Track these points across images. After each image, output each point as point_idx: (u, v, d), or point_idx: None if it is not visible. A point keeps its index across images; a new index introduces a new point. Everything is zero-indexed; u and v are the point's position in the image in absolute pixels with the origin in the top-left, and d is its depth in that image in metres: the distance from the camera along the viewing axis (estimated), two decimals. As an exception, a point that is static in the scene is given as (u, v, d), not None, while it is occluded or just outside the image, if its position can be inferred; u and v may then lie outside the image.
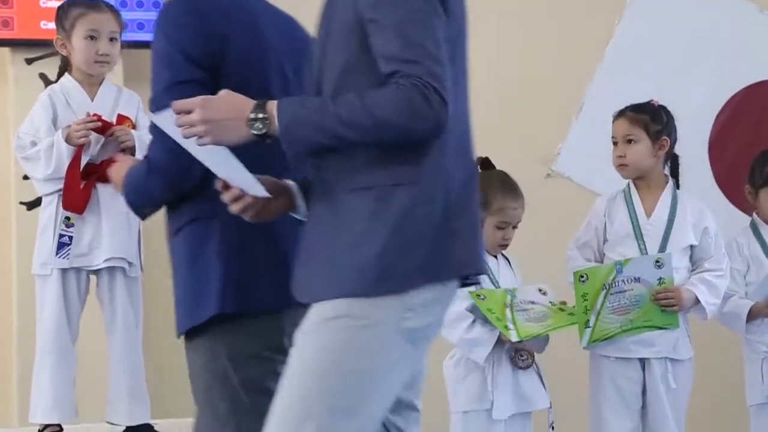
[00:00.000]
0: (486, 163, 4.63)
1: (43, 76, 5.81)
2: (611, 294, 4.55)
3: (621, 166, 4.73)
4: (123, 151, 4.44)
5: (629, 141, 4.69)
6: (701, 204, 4.86)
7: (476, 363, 4.40)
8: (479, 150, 4.54)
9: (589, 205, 4.99)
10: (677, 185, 4.85)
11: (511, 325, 4.38)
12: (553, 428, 4.53)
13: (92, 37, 4.53)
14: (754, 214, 4.97)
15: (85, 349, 4.57)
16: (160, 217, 5.40)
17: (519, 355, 4.43)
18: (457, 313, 4.38)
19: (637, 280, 4.58)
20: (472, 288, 4.26)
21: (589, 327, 4.55)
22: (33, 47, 5.93)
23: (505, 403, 4.40)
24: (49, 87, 4.79)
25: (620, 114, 4.79)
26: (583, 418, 4.82)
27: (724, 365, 5.20)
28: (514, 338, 4.35)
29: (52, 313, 4.51)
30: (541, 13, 6.51)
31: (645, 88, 5.21)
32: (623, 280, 4.57)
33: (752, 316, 4.79)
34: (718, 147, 5.78)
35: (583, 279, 4.58)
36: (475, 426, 4.44)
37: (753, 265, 4.88)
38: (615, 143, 4.77)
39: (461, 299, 4.36)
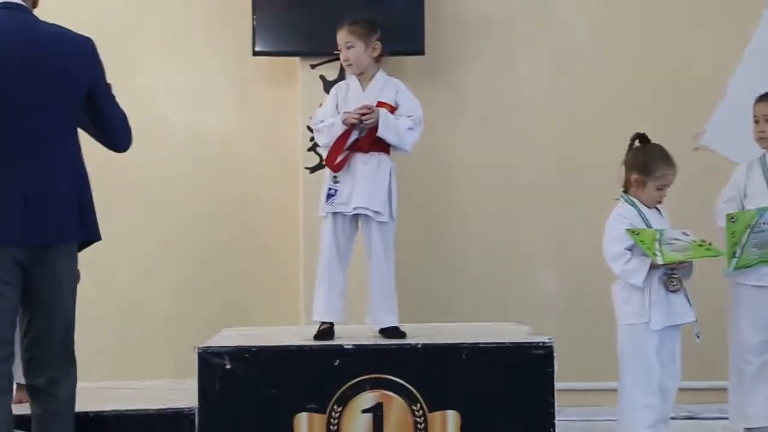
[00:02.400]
0: (644, 138, 4.71)
1: (322, 77, 6.18)
2: (754, 232, 4.60)
3: (761, 140, 4.77)
4: (370, 130, 4.57)
5: None
6: None
7: (636, 287, 4.50)
8: (643, 128, 4.81)
9: (728, 171, 4.99)
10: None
11: (658, 253, 4.44)
12: (698, 337, 4.56)
13: (339, 50, 4.71)
14: None
15: (357, 271, 4.74)
16: (411, 172, 5.70)
17: (670, 281, 4.49)
18: (618, 251, 4.54)
19: None
20: None
21: (735, 257, 4.65)
22: (315, 56, 6.20)
23: (660, 318, 4.50)
24: (338, 83, 5.01)
25: (763, 97, 4.80)
26: (722, 331, 4.84)
27: None
28: (659, 261, 4.42)
29: (325, 245, 4.69)
30: (692, 22, 6.53)
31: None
32: (764, 222, 4.60)
33: None
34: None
35: (733, 220, 4.64)
36: (637, 335, 4.54)
37: None
38: (756, 121, 4.77)
39: (621, 241, 4.54)
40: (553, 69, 6.60)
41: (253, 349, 4.36)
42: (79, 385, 4.01)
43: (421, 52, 6.15)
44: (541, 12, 6.58)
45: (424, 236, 6.37)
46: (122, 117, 4.10)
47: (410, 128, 4.64)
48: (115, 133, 4.09)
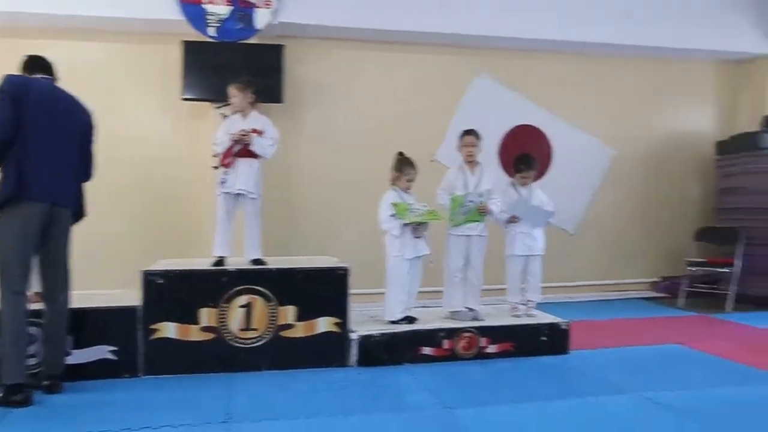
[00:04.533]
0: (402, 154, 4.74)
1: (222, 114, 5.77)
2: (462, 207, 4.70)
3: (468, 155, 4.77)
4: (246, 145, 4.51)
5: (473, 145, 4.71)
6: (490, 172, 4.90)
7: (396, 236, 4.56)
8: (401, 147, 4.77)
9: (443, 172, 4.93)
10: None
11: (406, 216, 4.51)
12: (431, 262, 4.67)
13: (229, 99, 4.66)
14: (513, 179, 5.00)
15: (239, 226, 4.60)
16: (272, 170, 5.47)
17: (415, 231, 4.58)
18: (386, 216, 4.57)
19: (472, 201, 4.71)
20: None
21: (453, 220, 4.74)
22: (217, 101, 5.95)
23: (410, 252, 4.58)
24: (229, 117, 4.75)
25: (468, 132, 4.80)
26: (442, 259, 4.84)
27: (501, 240, 5.02)
28: (405, 221, 4.53)
29: (221, 211, 4.56)
30: (429, 78, 6.62)
31: (477, 123, 5.00)
32: (468, 201, 4.69)
33: (508, 221, 4.92)
34: (501, 152, 5.73)
35: (453, 200, 4.72)
36: (398, 262, 4.58)
37: (508, 199, 4.90)
38: (465, 146, 4.76)
39: (388, 210, 4.55)
40: (354, 113, 6.56)
41: (176, 271, 4.29)
42: (71, 292, 3.95)
43: (280, 101, 6.12)
44: (349, 79, 6.56)
45: (277, 207, 6.21)
46: (93, 156, 4.01)
47: (270, 144, 4.60)
48: (87, 165, 3.99)
